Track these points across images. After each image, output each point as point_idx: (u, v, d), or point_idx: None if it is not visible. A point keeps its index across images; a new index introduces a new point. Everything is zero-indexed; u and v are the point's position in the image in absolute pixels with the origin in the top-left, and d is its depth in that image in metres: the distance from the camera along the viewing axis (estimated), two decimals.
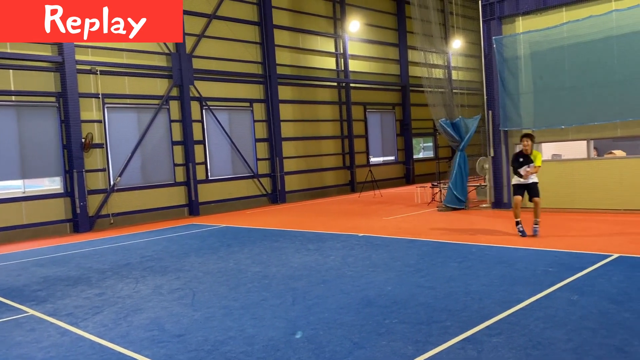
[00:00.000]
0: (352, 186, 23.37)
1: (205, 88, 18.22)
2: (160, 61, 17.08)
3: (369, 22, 24.51)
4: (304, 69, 21.64)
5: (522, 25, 13.39)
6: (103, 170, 15.68)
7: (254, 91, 19.78)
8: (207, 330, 5.43)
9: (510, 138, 13.79)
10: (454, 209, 14.26)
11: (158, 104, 16.91)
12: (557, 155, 13.96)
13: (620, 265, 7.01)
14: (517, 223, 9.77)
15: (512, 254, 8.24)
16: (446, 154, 27.67)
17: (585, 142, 12.70)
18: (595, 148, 13.14)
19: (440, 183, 16.60)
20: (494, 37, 13.58)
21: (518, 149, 13.69)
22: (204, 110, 18.25)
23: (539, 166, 9.59)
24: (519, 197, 9.71)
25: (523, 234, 9.65)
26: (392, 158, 25.92)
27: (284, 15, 20.89)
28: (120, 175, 15.96)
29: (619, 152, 13.07)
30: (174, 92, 17.41)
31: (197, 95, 17.91)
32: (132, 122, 16.44)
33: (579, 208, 12.63)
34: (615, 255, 7.60)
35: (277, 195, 20.10)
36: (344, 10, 23.22)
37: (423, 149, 28.83)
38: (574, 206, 12.73)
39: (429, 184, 18.16)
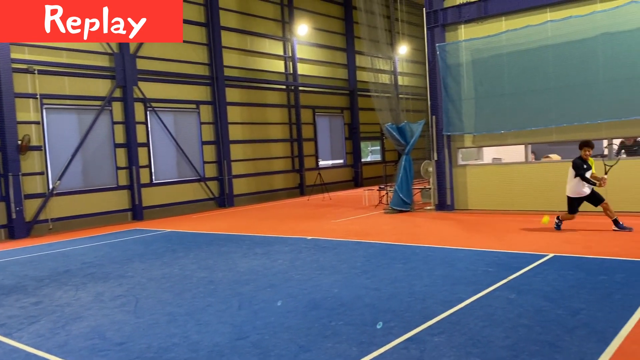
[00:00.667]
0: (301, 189, 23.41)
1: (150, 89, 17.82)
2: (103, 61, 16.58)
3: (317, 26, 24.67)
4: (252, 71, 21.53)
5: (464, 33, 13.83)
6: (41, 173, 15.05)
7: (201, 93, 19.50)
8: (150, 338, 5.31)
9: (453, 142, 14.20)
10: (400, 211, 14.54)
11: (100, 105, 16.40)
12: (498, 159, 14.49)
13: (554, 265, 7.34)
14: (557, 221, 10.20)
15: (454, 254, 8.48)
16: (393, 157, 28.16)
17: (523, 146, 13.23)
18: (532, 152, 13.71)
19: (387, 186, 16.88)
20: (437, 44, 13.96)
21: (460, 153, 14.23)
22: (148, 112, 17.84)
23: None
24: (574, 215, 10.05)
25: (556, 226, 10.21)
26: (341, 161, 26.15)
27: (232, 16, 20.72)
28: (59, 179, 15.37)
29: (554, 156, 13.70)
30: (117, 93, 16.93)
31: (141, 96, 17.49)
32: (72, 123, 15.87)
33: (517, 210, 13.15)
34: (550, 255, 7.95)
35: (224, 199, 19.88)
36: (292, 13, 23.27)
37: (371, 153, 29.24)
38: (513, 208, 13.24)
39: (377, 187, 18.44)
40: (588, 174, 9.80)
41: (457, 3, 13.79)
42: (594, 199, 9.94)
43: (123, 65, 16.83)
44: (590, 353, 4.26)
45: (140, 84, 17.46)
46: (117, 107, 16.94)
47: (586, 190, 9.90)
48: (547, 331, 4.80)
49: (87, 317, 6.22)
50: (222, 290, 7.05)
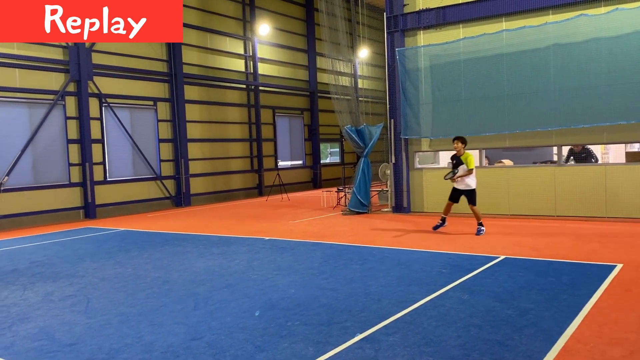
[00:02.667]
0: (259, 190, 23.30)
1: (106, 84, 17.38)
2: (56, 54, 16.06)
3: (278, 26, 24.62)
4: (211, 69, 21.29)
5: (423, 38, 14.10)
6: None
7: (159, 90, 19.15)
8: (101, 339, 5.18)
9: (411, 146, 14.45)
10: (358, 213, 14.67)
11: (53, 100, 15.88)
12: None
13: (505, 266, 7.58)
14: (442, 219, 10.83)
15: (409, 256, 8.63)
16: (352, 159, 28.37)
17: (477, 151, 13.58)
18: (486, 157, 14.10)
19: (345, 188, 17.01)
20: (397, 49, 14.17)
21: (417, 156, 14.48)
22: (103, 108, 17.39)
23: (472, 169, 10.14)
24: (451, 203, 10.62)
25: (436, 227, 10.84)
26: (300, 162, 26.18)
27: (192, 13, 20.43)
28: (7, 175, 14.78)
29: (507, 162, 14.12)
30: (71, 88, 16.43)
31: (96, 91, 17.03)
32: (22, 117, 15.29)
33: (471, 213, 13.44)
34: (502, 257, 8.20)
35: (181, 198, 19.58)
36: (253, 12, 23.15)
37: (330, 154, 29.38)
38: (467, 211, 13.54)
39: (335, 189, 18.54)
40: (462, 169, 10.22)
41: (417, 9, 14.04)
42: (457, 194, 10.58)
43: (78, 59, 16.35)
44: (537, 351, 4.42)
45: (96, 78, 16.99)
46: (70, 101, 16.44)
47: (470, 184, 10.34)
48: (497, 330, 4.95)
49: (35, 317, 6.02)
50: (177, 291, 6.95)
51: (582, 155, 12.69)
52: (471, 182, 10.33)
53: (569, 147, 12.83)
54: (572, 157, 12.86)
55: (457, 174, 10.26)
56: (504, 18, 12.82)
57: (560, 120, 12.07)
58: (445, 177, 10.52)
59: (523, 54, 12.49)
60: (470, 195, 10.38)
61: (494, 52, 12.87)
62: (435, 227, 10.94)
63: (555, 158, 13.01)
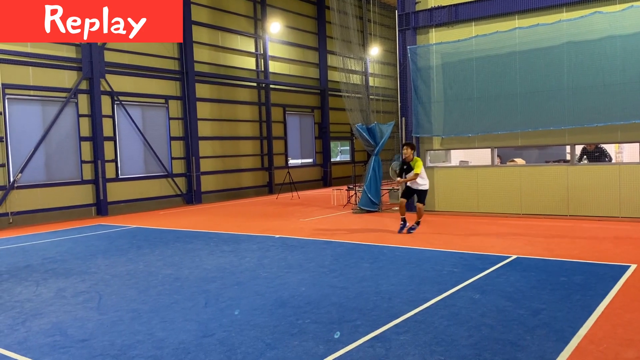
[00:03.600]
0: (270, 188, 23.34)
1: (118, 82, 17.49)
2: (69, 52, 16.18)
3: (289, 24, 24.63)
4: (223, 67, 21.35)
5: (435, 36, 14.03)
6: (2, 165, 14.60)
7: (170, 88, 19.24)
8: (113, 335, 5.22)
9: (422, 144, 14.38)
10: (368, 212, 14.64)
11: (65, 97, 16.01)
12: (465, 161, 14.74)
13: (517, 266, 7.52)
14: (402, 220, 10.86)
15: (420, 254, 8.60)
16: (362, 157, 28.33)
17: (489, 150, 13.50)
18: (498, 156, 14.01)
19: (355, 186, 16.98)
20: (408, 47, 14.11)
21: (429, 155, 14.42)
22: (115, 105, 17.50)
23: (417, 173, 10.38)
24: (404, 200, 10.82)
25: (400, 230, 10.83)
26: (310, 160, 26.18)
27: (204, 12, 20.50)
28: (21, 172, 14.94)
29: (519, 160, 14.02)
30: (83, 85, 16.56)
31: (108, 89, 17.14)
32: (36, 115, 15.44)
33: (483, 212, 13.41)
34: (514, 257, 8.15)
35: (192, 196, 19.66)
36: (264, 11, 23.17)
37: (340, 153, 29.35)
38: (479, 210, 13.50)
39: (345, 187, 18.52)
40: (411, 174, 10.44)
41: (429, 7, 13.97)
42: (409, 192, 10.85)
43: (90, 57, 16.47)
44: (549, 352, 4.39)
45: (108, 76, 17.11)
46: (83, 99, 16.56)
47: (422, 185, 10.60)
48: (509, 330, 4.92)
49: (48, 313, 6.08)
50: (188, 288, 6.98)
51: (596, 155, 12.56)
52: (423, 183, 10.58)
53: (582, 146, 12.71)
54: (585, 156, 12.74)
55: (407, 178, 10.55)
56: (517, 16, 12.72)
57: (573, 119, 11.96)
58: (393, 180, 10.89)
59: (536, 51, 12.38)
60: (422, 194, 10.67)
61: (507, 50, 12.77)
62: (400, 230, 10.89)
63: (568, 157, 12.90)
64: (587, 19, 11.68)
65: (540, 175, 12.72)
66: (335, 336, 4.91)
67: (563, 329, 4.89)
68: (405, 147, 10.65)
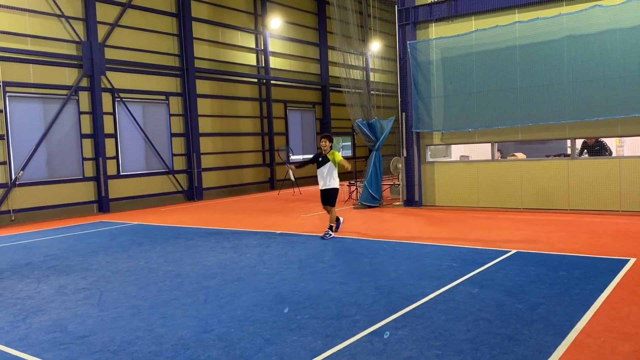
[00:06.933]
0: (271, 184, 23.36)
1: (118, 79, 17.50)
2: (70, 49, 16.19)
3: (290, 20, 24.59)
4: (223, 63, 21.33)
5: (435, 31, 14.00)
6: (3, 163, 14.64)
7: (171, 84, 19.24)
8: (113, 331, 5.25)
9: (422, 139, 14.38)
10: (369, 207, 14.65)
11: (66, 95, 16.03)
12: (465, 156, 14.73)
13: (516, 261, 7.53)
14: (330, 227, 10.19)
15: (420, 250, 8.61)
16: (363, 153, 28.31)
17: (490, 144, 13.49)
18: (499, 150, 13.99)
19: (356, 181, 16.99)
20: (408, 42, 14.09)
21: (429, 150, 14.41)
22: (116, 102, 17.52)
23: (340, 161, 9.93)
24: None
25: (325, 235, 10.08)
26: (312, 156, 26.12)
27: (203, 7, 20.49)
28: (22, 169, 14.98)
29: (520, 155, 14.01)
30: (84, 83, 16.57)
31: (109, 86, 17.16)
32: (37, 112, 15.47)
33: (483, 207, 13.42)
34: (513, 251, 8.15)
35: (193, 192, 19.70)
36: (265, 6, 23.13)
37: (342, 148, 29.33)
38: (479, 205, 13.51)
39: (346, 183, 18.53)
40: (325, 168, 10.03)
41: (429, 1, 13.93)
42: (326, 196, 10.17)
43: (90, 54, 16.48)
44: (547, 346, 4.40)
45: (109, 73, 17.12)
46: (83, 96, 16.58)
47: (331, 183, 10.10)
48: (507, 325, 4.93)
49: (49, 310, 6.11)
50: (188, 284, 7.01)
51: (596, 148, 12.54)
52: (335, 182, 10.13)
53: (582, 140, 12.69)
54: (585, 150, 12.72)
55: (346, 167, 10.00)
56: (516, 10, 12.68)
57: (573, 113, 11.93)
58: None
59: (536, 45, 12.35)
60: (333, 195, 10.11)
61: (507, 44, 12.74)
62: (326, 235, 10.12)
63: (569, 151, 12.88)
64: (587, 13, 11.64)
65: (541, 169, 12.71)
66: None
67: (561, 323, 4.90)
68: (323, 140, 10.24)
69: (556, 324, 4.89)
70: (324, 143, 10.22)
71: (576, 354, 4.23)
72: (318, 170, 10.24)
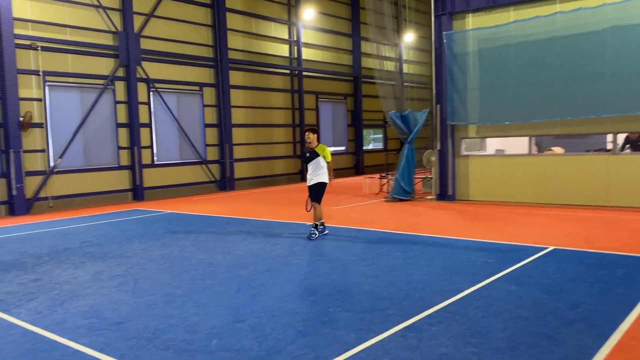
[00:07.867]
0: (302, 175, 23.36)
1: (153, 69, 17.71)
2: (107, 40, 16.45)
3: (323, 10, 24.44)
4: (256, 54, 21.37)
5: (472, 22, 13.69)
6: (42, 151, 15.01)
7: (204, 75, 19.38)
8: (147, 318, 5.31)
9: (457, 132, 14.12)
10: (401, 200, 14.50)
11: (103, 84, 16.31)
12: (501, 150, 14.42)
13: (554, 258, 7.32)
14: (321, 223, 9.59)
15: (453, 244, 8.46)
16: (395, 145, 28.06)
17: (527, 138, 13.15)
18: (536, 144, 13.64)
19: (388, 174, 16.83)
20: (444, 33, 13.82)
21: (464, 143, 14.15)
22: (151, 93, 17.74)
23: (329, 162, 9.39)
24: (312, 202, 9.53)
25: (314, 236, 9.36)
26: (343, 148, 26.06)
27: None
28: (60, 157, 15.33)
29: (557, 149, 13.62)
30: (120, 73, 16.82)
31: (144, 76, 17.38)
32: (74, 101, 15.79)
33: (519, 202, 13.11)
34: (551, 248, 7.93)
35: (225, 182, 19.85)
36: None
37: (373, 140, 29.13)
38: (515, 200, 13.20)
39: (378, 175, 18.38)
40: (314, 163, 9.32)
41: None
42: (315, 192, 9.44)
43: (127, 45, 16.71)
44: (588, 347, 4.25)
45: (144, 63, 17.34)
46: (119, 86, 16.84)
47: (318, 177, 9.37)
48: (546, 324, 4.79)
49: (85, 295, 6.22)
50: (221, 273, 7.04)
51: (639, 143, 12.10)
52: (323, 176, 9.40)
53: (625, 134, 12.26)
54: (628, 145, 12.29)
55: (330, 176, 9.40)
56: (557, 0, 12.28)
57: (616, 107, 11.52)
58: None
59: (578, 37, 11.95)
60: (320, 190, 9.42)
61: (547, 35, 12.36)
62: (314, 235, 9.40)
63: (609, 146, 12.45)
64: (633, 2, 11.19)
65: (580, 164, 12.33)
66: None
67: (603, 324, 4.73)
68: (307, 133, 9.45)
69: (597, 325, 4.72)
70: (308, 136, 9.42)
71: (621, 358, 4.06)
72: (308, 166, 9.50)
